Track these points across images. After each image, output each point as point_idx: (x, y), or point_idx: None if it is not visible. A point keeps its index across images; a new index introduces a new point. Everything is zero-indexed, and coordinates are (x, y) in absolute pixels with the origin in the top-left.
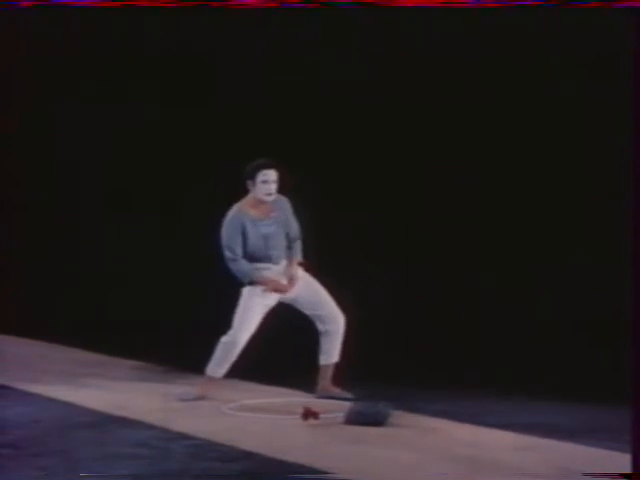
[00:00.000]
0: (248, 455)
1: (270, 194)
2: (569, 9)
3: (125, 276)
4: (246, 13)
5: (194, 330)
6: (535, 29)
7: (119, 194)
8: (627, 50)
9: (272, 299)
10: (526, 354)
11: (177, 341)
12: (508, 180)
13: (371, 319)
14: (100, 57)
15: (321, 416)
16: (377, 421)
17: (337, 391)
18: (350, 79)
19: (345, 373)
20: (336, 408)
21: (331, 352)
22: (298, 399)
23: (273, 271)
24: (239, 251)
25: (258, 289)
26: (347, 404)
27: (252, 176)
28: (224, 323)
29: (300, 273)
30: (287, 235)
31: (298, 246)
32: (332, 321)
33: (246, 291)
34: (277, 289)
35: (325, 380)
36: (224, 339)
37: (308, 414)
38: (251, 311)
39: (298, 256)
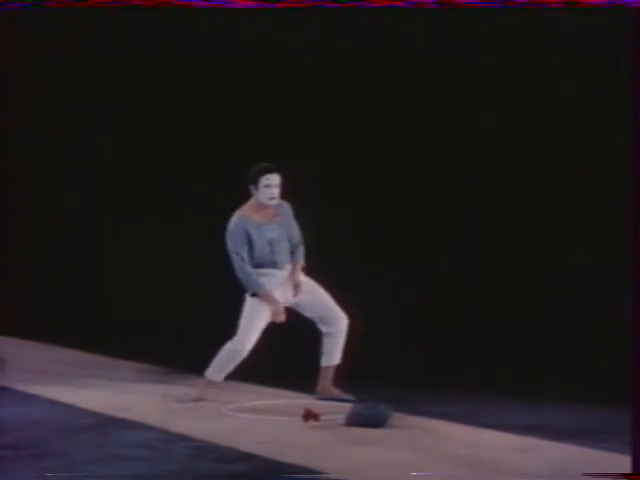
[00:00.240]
0: (248, 456)
1: (273, 198)
2: (569, 9)
3: (125, 276)
4: (246, 13)
5: (194, 331)
6: (535, 29)
7: (119, 194)
8: (627, 50)
9: None
10: (526, 354)
11: (177, 342)
12: (508, 180)
13: (371, 319)
14: (100, 57)
15: (321, 417)
16: (377, 422)
17: (337, 392)
18: (350, 79)
19: (345, 373)
20: (337, 410)
21: (333, 354)
22: (298, 401)
23: (277, 277)
24: (247, 258)
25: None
26: (347, 406)
27: (255, 180)
28: (224, 323)
29: (301, 277)
30: (290, 240)
31: (301, 251)
32: (335, 323)
33: (250, 299)
34: (276, 315)
35: (326, 381)
36: (230, 346)
37: (309, 415)
38: (257, 320)
39: (301, 261)
